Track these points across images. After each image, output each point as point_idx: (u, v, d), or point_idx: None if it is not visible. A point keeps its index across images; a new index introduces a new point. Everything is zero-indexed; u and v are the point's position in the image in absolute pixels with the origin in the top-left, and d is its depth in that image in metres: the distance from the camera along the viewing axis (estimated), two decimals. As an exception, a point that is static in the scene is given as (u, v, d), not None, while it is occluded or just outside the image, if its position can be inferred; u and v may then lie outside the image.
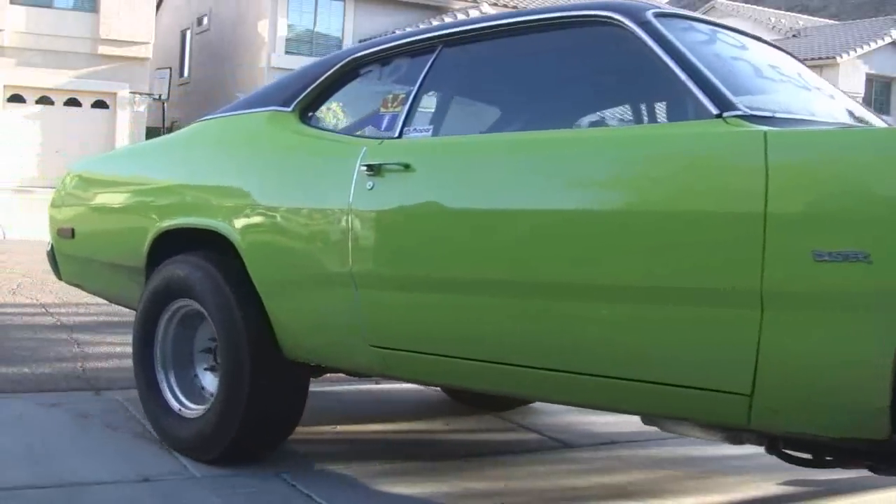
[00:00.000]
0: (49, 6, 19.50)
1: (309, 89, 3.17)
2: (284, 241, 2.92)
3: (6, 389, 4.07)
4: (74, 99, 20.07)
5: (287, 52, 21.35)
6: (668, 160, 2.16)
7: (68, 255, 4.05)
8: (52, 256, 4.17)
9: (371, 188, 2.67)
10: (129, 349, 5.24)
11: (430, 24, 20.95)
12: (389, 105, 2.89)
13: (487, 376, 2.47)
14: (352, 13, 21.84)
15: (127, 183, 3.77)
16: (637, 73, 2.52)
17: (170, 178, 3.47)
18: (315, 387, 4.58)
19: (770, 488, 3.15)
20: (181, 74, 25.45)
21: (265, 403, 2.98)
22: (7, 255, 9.94)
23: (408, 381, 2.91)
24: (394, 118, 2.84)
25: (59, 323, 5.94)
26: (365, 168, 2.69)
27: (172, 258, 3.28)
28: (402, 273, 2.61)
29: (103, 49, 19.72)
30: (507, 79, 2.97)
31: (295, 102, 3.16)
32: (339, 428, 3.68)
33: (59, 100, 19.96)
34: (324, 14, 21.74)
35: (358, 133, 3.11)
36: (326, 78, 3.16)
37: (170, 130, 20.93)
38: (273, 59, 21.14)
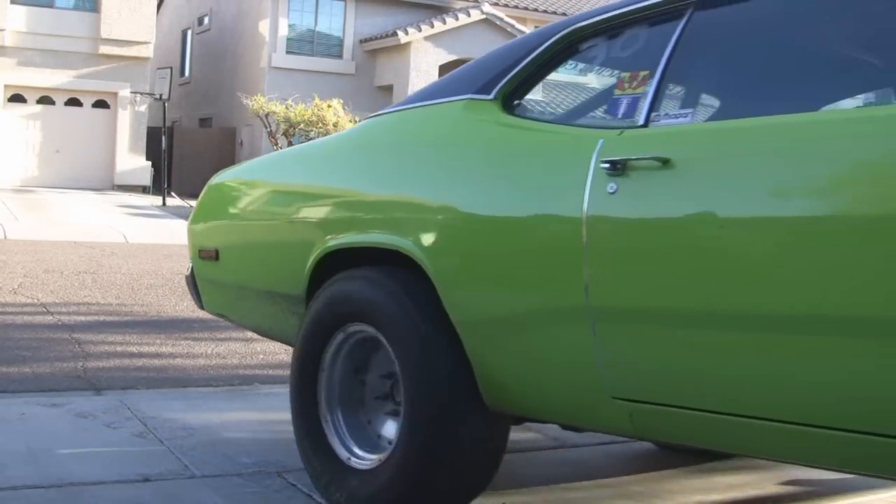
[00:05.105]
0: (50, 6, 19.48)
1: (515, 71, 2.57)
2: (491, 264, 2.37)
3: (7, 389, 4.07)
4: (75, 99, 20.05)
5: (288, 52, 21.34)
6: None
7: (212, 281, 3.44)
8: (192, 282, 3.55)
9: (614, 192, 2.09)
10: (129, 348, 5.28)
11: (432, 24, 20.96)
12: (627, 86, 2.32)
13: (786, 443, 1.88)
14: (352, 13, 21.83)
15: (282, 194, 3.18)
16: None
17: (337, 186, 2.93)
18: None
19: (770, 488, 3.14)
20: (182, 74, 25.44)
21: (456, 456, 2.44)
22: (8, 255, 9.95)
23: (667, 442, 2.40)
24: (635, 101, 2.26)
25: (59, 322, 5.95)
26: (606, 165, 2.10)
27: (343, 273, 2.75)
28: (661, 305, 2.02)
29: (104, 49, 19.70)
30: (794, 42, 2.25)
31: (497, 88, 2.57)
32: (340, 428, 3.68)
33: (60, 100, 19.94)
34: (324, 14, 21.73)
35: (584, 123, 2.56)
36: (536, 57, 2.55)
37: (170, 130, 20.93)
38: (274, 58, 21.13)
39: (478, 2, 21.40)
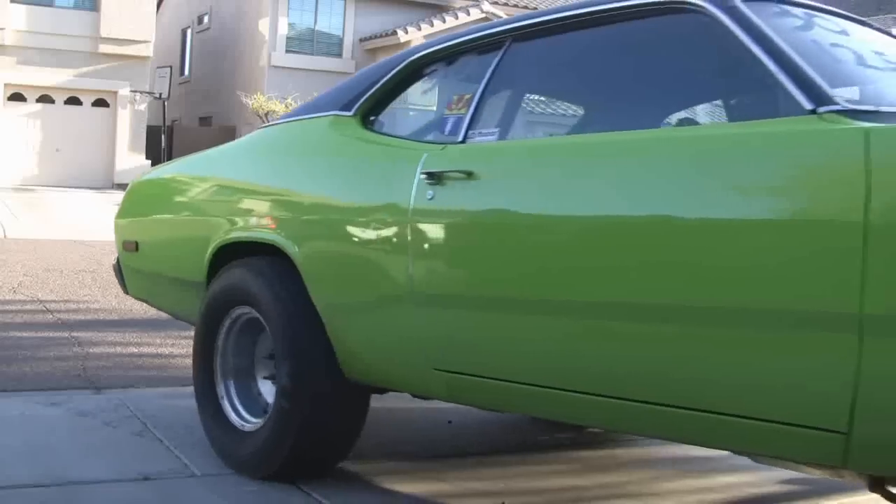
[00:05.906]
0: (50, 5, 19.45)
1: (370, 92, 2.98)
2: (342, 256, 2.77)
3: (7, 388, 4.07)
4: (75, 97, 20.02)
5: (288, 51, 21.32)
6: (752, 163, 1.92)
7: (134, 270, 3.88)
8: (119, 270, 4.01)
9: (431, 198, 2.49)
10: (129, 348, 5.28)
11: (432, 23, 20.94)
12: (454, 107, 2.70)
13: (566, 406, 2.23)
14: (352, 12, 21.82)
15: (188, 194, 3.61)
16: (723, 65, 2.26)
17: (230, 188, 3.33)
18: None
19: (770, 488, 3.15)
20: (182, 73, 25.42)
21: (322, 420, 2.81)
22: (7, 254, 9.94)
23: (478, 407, 2.71)
24: (458, 121, 2.65)
25: (59, 321, 5.95)
26: (425, 176, 2.52)
27: (232, 263, 3.14)
28: (465, 291, 2.42)
29: (104, 48, 19.68)
30: (579, 75, 2.72)
31: (356, 106, 2.98)
32: (340, 427, 3.68)
33: (60, 98, 19.91)
34: (324, 12, 21.72)
35: (420, 138, 2.91)
36: (389, 79, 2.96)
37: (170, 129, 20.92)
38: (274, 57, 21.12)
39: (477, 1, 21.39)
